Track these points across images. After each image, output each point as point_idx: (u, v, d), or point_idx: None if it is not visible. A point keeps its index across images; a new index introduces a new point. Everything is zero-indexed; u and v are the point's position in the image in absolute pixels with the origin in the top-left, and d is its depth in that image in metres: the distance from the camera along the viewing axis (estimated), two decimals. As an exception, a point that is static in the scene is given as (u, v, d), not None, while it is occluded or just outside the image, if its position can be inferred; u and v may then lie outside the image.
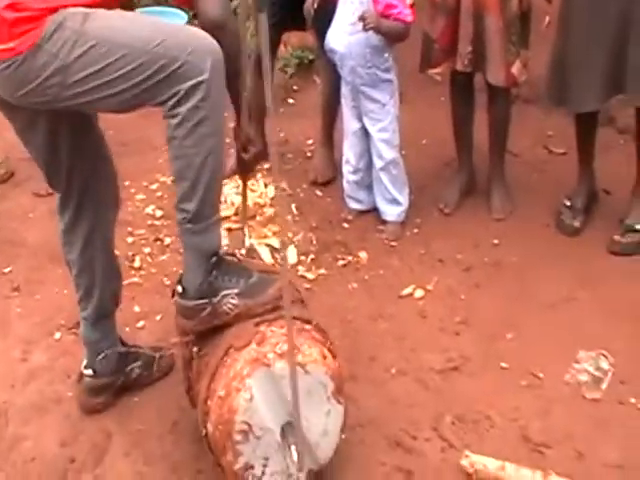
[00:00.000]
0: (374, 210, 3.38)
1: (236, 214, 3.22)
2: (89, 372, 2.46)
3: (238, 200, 3.19)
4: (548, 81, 3.10)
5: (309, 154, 3.87)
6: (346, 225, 3.36)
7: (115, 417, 2.48)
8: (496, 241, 3.21)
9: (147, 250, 3.25)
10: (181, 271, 2.12)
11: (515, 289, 2.94)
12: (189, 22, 4.19)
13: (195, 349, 2.19)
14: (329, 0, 3.17)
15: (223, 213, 3.31)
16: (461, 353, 2.66)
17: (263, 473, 2.00)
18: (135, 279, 3.07)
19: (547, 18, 3.41)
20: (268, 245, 3.11)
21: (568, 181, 3.31)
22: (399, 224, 3.30)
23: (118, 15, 1.95)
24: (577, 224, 3.20)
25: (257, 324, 2.06)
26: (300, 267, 3.12)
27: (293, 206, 3.45)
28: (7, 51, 1.85)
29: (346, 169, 3.39)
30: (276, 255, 3.02)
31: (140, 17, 1.94)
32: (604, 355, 2.57)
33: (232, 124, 2.18)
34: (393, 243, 3.24)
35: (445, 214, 3.39)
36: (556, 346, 2.64)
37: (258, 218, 3.28)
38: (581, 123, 3.16)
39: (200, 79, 1.85)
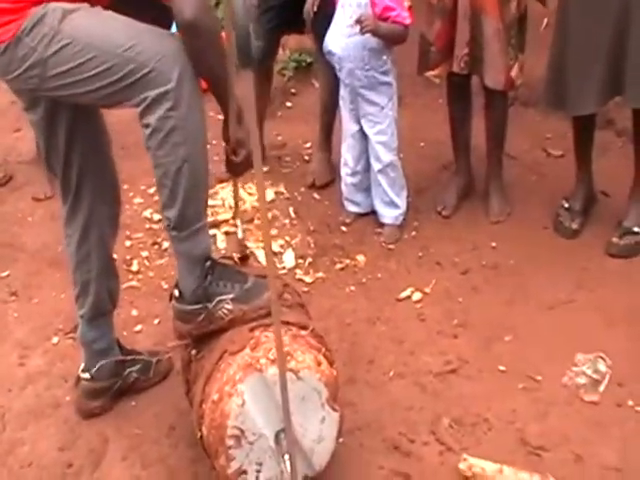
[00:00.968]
0: (372, 213, 3.38)
1: (234, 217, 3.21)
2: (86, 376, 2.47)
3: (237, 204, 3.18)
4: (546, 84, 3.10)
5: (307, 157, 3.87)
6: (344, 228, 3.36)
7: (112, 421, 2.48)
8: (494, 244, 3.20)
9: (145, 254, 3.25)
10: (178, 275, 2.12)
11: (513, 292, 2.94)
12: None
13: (193, 352, 2.19)
14: (328, 3, 3.18)
15: (221, 216, 3.34)
16: (459, 356, 2.66)
17: (257, 478, 2.00)
18: (133, 283, 3.07)
19: (545, 20, 3.42)
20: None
21: (566, 183, 3.30)
22: (397, 227, 3.30)
23: (97, 15, 1.96)
24: (575, 226, 3.19)
25: (252, 329, 2.05)
26: (298, 270, 3.11)
27: (291, 209, 3.45)
28: None
29: (344, 171, 3.39)
30: (274, 258, 3.01)
31: (118, 18, 1.94)
32: (602, 357, 2.57)
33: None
34: (391, 246, 3.24)
35: (443, 217, 3.38)
36: (554, 349, 2.64)
37: (256, 222, 3.28)
38: (579, 126, 3.15)
39: (167, 88, 1.86)
